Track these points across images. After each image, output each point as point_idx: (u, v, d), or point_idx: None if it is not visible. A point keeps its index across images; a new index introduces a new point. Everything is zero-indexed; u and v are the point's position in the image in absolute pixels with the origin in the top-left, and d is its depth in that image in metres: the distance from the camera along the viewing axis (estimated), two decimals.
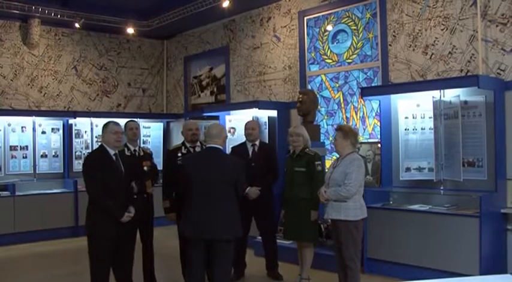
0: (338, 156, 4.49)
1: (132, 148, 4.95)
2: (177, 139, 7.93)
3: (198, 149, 5.04)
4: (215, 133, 4.21)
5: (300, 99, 6.31)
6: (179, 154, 4.99)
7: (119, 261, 4.20)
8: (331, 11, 6.99)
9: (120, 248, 4.16)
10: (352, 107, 6.80)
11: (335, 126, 5.15)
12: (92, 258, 4.09)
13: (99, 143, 4.42)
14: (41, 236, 7.42)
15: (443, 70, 5.69)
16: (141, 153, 5.00)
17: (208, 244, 4.01)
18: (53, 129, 8.33)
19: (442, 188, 5.37)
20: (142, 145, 9.05)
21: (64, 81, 8.95)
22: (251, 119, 6.81)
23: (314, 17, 7.21)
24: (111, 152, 4.17)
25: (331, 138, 6.89)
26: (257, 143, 5.42)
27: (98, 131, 8.55)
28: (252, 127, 5.42)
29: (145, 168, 4.91)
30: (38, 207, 7.53)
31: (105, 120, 8.04)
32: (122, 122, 8.84)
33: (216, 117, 7.84)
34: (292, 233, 5.00)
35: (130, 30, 8.79)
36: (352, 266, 4.22)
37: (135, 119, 5.32)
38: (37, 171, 8.09)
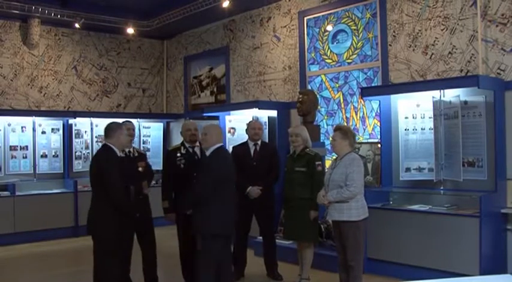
0: (336, 156, 4.49)
1: (126, 149, 4.88)
2: (177, 139, 7.93)
3: (197, 149, 5.04)
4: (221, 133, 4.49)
5: (300, 99, 6.31)
6: (178, 154, 4.99)
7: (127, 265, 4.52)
8: (331, 11, 6.99)
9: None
10: (352, 107, 6.80)
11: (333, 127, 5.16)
12: (106, 260, 4.12)
13: (102, 143, 4.43)
14: (41, 236, 7.42)
15: (443, 70, 5.69)
16: (136, 154, 4.98)
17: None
18: (53, 129, 8.33)
19: (442, 188, 5.37)
20: (142, 145, 9.07)
21: (64, 81, 8.95)
22: (251, 119, 6.80)
23: (314, 17, 7.21)
24: (118, 153, 4.24)
25: (331, 139, 6.88)
26: (259, 142, 5.44)
27: (98, 131, 8.57)
28: (258, 127, 5.45)
29: (140, 169, 4.89)
30: (38, 207, 7.53)
31: (105, 120, 8.06)
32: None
33: (216, 117, 7.84)
34: (292, 233, 5.00)
35: (130, 30, 8.79)
36: (355, 265, 4.22)
37: (130, 120, 5.30)
38: (37, 171, 8.09)
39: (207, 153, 4.27)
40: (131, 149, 4.97)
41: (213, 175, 4.08)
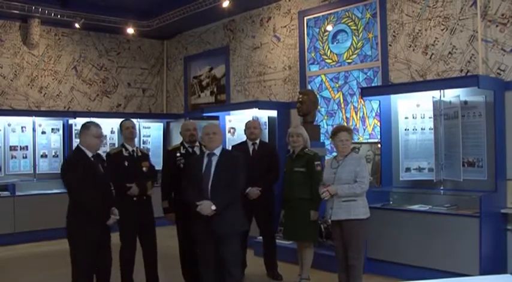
0: (336, 156, 4.49)
1: (130, 148, 4.88)
2: (177, 139, 7.92)
3: (196, 149, 5.03)
4: None
5: (300, 99, 6.31)
6: (178, 154, 4.98)
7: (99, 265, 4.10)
8: (331, 11, 6.99)
9: (101, 252, 4.08)
10: (352, 107, 6.80)
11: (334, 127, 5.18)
12: (78, 263, 4.01)
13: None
14: (41, 236, 7.40)
15: (443, 70, 5.69)
16: (139, 154, 4.96)
17: None
18: (53, 129, 8.33)
19: (442, 188, 5.37)
20: (142, 145, 9.06)
21: (64, 81, 8.95)
22: (251, 119, 6.80)
23: (314, 17, 7.21)
24: (89, 154, 4.04)
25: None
26: (257, 142, 5.43)
27: None
28: (254, 126, 5.44)
29: (144, 169, 4.87)
30: (38, 207, 7.51)
31: (105, 121, 8.01)
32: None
33: (216, 117, 7.84)
34: (292, 233, 5.00)
35: (130, 30, 8.80)
36: (357, 264, 4.25)
37: (130, 119, 5.26)
38: (37, 171, 8.09)
39: (217, 152, 4.19)
40: (134, 148, 4.94)
41: (245, 173, 4.25)
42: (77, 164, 3.97)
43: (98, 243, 4.00)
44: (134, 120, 5.26)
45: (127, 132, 4.95)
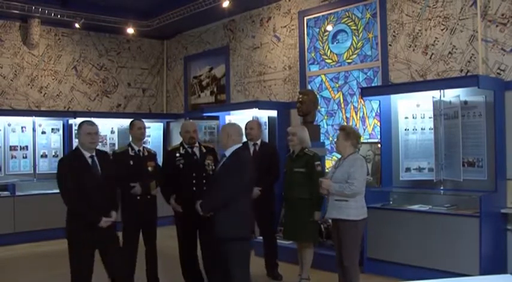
0: (339, 156, 4.49)
1: (136, 148, 4.89)
2: (177, 139, 7.92)
3: (196, 150, 5.01)
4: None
5: (300, 99, 6.31)
6: (177, 154, 4.98)
7: (109, 268, 4.02)
8: (331, 11, 6.99)
9: (105, 254, 4.01)
10: (352, 107, 6.80)
11: (336, 126, 5.17)
12: (71, 264, 3.98)
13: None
14: (41, 236, 7.40)
15: (443, 70, 5.69)
16: (145, 154, 4.97)
17: None
18: (53, 129, 8.33)
19: (442, 188, 5.37)
20: (142, 145, 9.04)
21: (64, 81, 8.95)
22: (251, 119, 6.80)
23: (314, 17, 7.21)
24: (87, 154, 3.94)
25: (331, 138, 6.90)
26: (258, 142, 5.43)
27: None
28: (250, 127, 5.43)
29: (149, 168, 4.88)
30: (38, 207, 7.51)
31: (105, 121, 7.98)
32: (122, 122, 8.85)
33: (216, 117, 7.84)
34: (292, 233, 5.00)
35: (130, 30, 8.80)
36: (350, 266, 4.22)
37: (141, 119, 5.23)
38: (37, 171, 8.09)
39: (227, 153, 4.04)
40: (141, 148, 4.95)
41: (239, 178, 3.93)
42: (67, 165, 3.91)
43: (93, 246, 3.96)
44: None
45: (138, 133, 4.94)
